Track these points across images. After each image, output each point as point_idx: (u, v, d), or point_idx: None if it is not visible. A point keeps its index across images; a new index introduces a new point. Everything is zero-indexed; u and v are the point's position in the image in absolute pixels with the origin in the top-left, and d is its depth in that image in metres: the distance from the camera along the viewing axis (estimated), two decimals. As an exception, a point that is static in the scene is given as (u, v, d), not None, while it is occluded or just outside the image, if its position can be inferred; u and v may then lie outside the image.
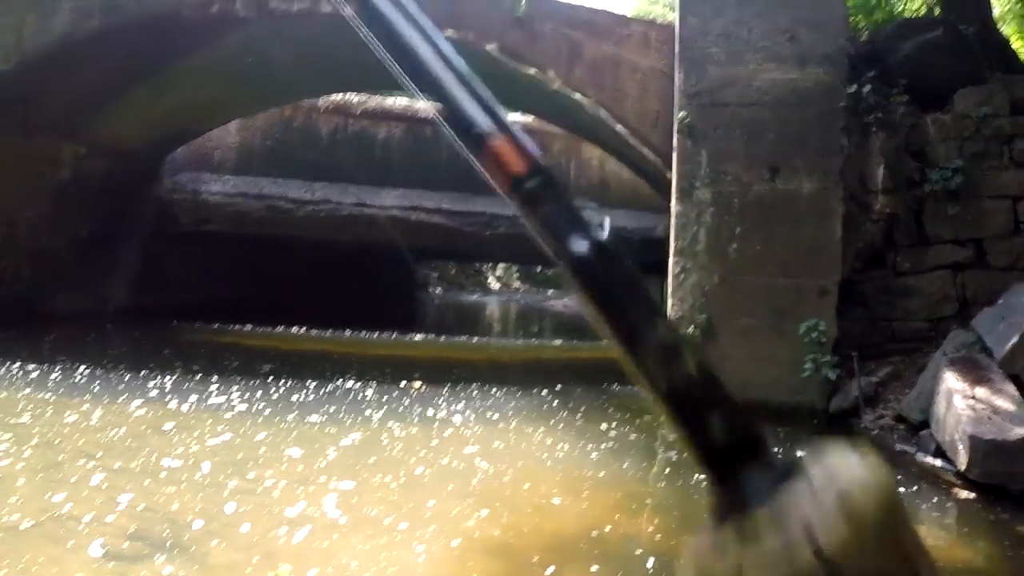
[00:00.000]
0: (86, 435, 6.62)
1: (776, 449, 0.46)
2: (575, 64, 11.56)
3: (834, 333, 9.29)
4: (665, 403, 0.51)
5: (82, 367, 9.82)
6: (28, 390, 8.49)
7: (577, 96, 11.58)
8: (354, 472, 6.14)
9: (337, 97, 19.27)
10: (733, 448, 0.48)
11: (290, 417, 7.92)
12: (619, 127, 11.66)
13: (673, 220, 9.73)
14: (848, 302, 9.57)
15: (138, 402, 8.22)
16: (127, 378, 9.45)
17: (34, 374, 9.32)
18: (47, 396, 8.30)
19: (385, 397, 9.24)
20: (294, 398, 8.86)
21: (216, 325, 15.14)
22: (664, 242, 13.58)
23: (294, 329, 15.06)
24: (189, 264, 17.85)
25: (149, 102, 14.33)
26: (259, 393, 8.96)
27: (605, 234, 0.54)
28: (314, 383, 9.57)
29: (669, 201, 10.49)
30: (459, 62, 0.65)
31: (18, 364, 9.67)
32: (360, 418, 8.11)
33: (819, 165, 9.49)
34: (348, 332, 15.11)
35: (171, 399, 8.45)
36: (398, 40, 0.66)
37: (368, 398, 9.16)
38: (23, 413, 7.51)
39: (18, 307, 13.69)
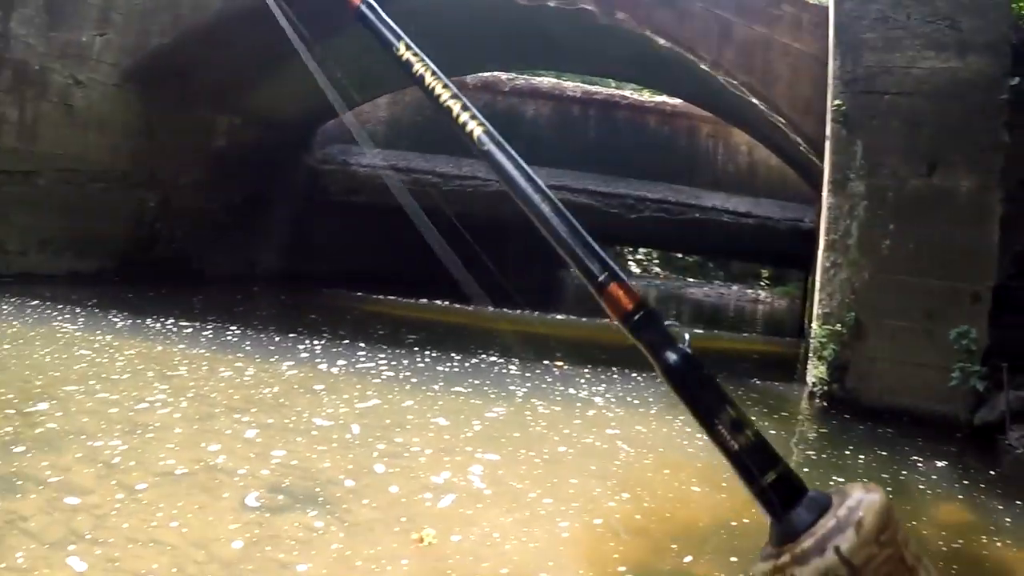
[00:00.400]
0: (240, 391, 6.86)
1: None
2: (725, 45, 11.31)
3: (985, 341, 8.70)
4: (735, 462, 0.63)
5: (233, 326, 10.24)
6: (183, 345, 8.88)
7: (726, 79, 11.39)
8: (498, 445, 6.18)
9: (486, 74, 19.39)
10: (783, 493, 0.60)
11: (436, 386, 8.03)
12: (769, 112, 11.46)
13: (824, 212, 9.39)
14: (1001, 309, 9.09)
15: (289, 363, 8.48)
16: (277, 339, 9.79)
17: (188, 330, 9.76)
18: (201, 352, 8.66)
19: (528, 373, 9.27)
20: (439, 368, 8.99)
21: (360, 293, 15.52)
22: (811, 234, 13.31)
23: (437, 301, 15.31)
24: (336, 233, 18.29)
25: (302, 76, 14.63)
26: (405, 361, 9.13)
27: (688, 346, 0.66)
28: (458, 355, 9.70)
29: (818, 191, 10.25)
30: (570, 218, 0.78)
31: (172, 320, 10.18)
32: (504, 392, 8.15)
33: (979, 162, 8.89)
34: (490, 308, 15.14)
35: (320, 362, 8.67)
36: (520, 189, 0.83)
37: (511, 373, 9.22)
38: (179, 367, 7.85)
39: (173, 266, 14.35)
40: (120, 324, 9.79)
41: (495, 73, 19.43)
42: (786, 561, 0.55)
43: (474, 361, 9.64)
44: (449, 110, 0.85)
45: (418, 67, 0.90)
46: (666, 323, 0.69)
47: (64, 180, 12.75)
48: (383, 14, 0.98)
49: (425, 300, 15.33)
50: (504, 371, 9.33)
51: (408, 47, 0.94)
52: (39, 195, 12.54)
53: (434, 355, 9.65)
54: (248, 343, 9.42)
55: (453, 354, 9.73)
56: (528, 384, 8.74)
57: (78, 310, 10.21)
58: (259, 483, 4.85)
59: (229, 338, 9.67)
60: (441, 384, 8.18)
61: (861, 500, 0.59)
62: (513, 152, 0.76)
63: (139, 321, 10.04)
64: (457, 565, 3.99)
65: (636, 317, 0.70)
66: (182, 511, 4.32)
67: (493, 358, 9.95)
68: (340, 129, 18.16)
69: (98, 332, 9.11)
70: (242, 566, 3.81)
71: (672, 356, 0.67)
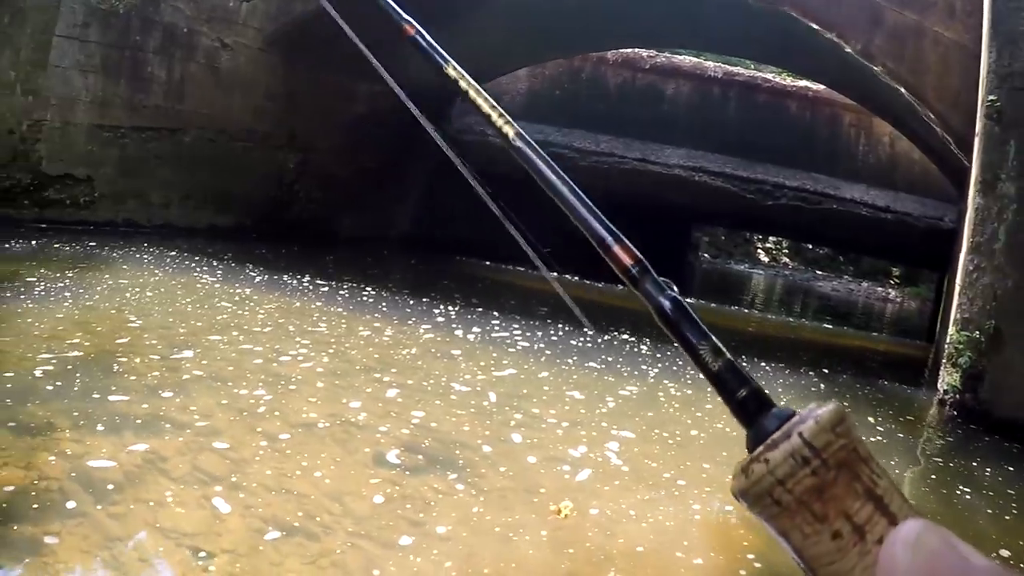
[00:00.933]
0: (379, 351, 6.91)
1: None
2: (875, 31, 10.71)
3: None
4: (715, 381, 0.72)
5: (368, 287, 10.37)
6: (320, 303, 9.02)
7: (874, 66, 10.92)
8: (633, 423, 6.11)
9: (627, 51, 19.16)
10: (755, 405, 0.68)
11: (570, 360, 7.96)
12: (917, 104, 10.93)
13: (971, 213, 8.82)
14: None
15: (426, 326, 8.54)
16: (411, 303, 9.85)
17: (324, 288, 9.92)
18: (339, 310, 8.78)
19: (659, 354, 9.13)
20: (572, 342, 8.92)
21: (490, 263, 15.58)
22: (950, 235, 12.74)
23: (567, 276, 15.26)
24: (469, 202, 18.36)
25: (444, 44, 14.74)
26: (539, 333, 9.10)
27: (675, 291, 0.79)
28: (591, 332, 9.64)
29: (962, 190, 9.74)
30: (583, 196, 0.94)
31: (308, 278, 10.35)
32: (636, 371, 8.04)
33: None
34: (619, 287, 14.99)
35: (457, 327, 8.70)
36: (545, 176, 0.99)
37: (643, 352, 9.12)
38: (319, 323, 7.98)
39: (308, 226, 14.63)
40: (257, 279, 10.00)
41: (635, 50, 19.16)
42: (760, 451, 0.63)
43: (606, 337, 9.53)
44: (488, 116, 1.02)
45: (463, 83, 1.10)
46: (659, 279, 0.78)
47: (208, 139, 13.06)
48: (432, 40, 1.19)
49: (555, 274, 15.23)
50: (636, 350, 9.24)
51: (455, 68, 1.15)
52: (183, 152, 12.89)
53: (566, 329, 9.57)
54: (384, 304, 9.52)
55: (585, 329, 9.63)
56: (660, 365, 8.62)
57: (216, 263, 10.51)
58: (397, 442, 4.85)
59: (364, 298, 9.79)
60: (575, 358, 8.11)
61: (819, 406, 0.66)
62: (537, 146, 0.96)
63: (275, 277, 10.24)
64: (593, 539, 3.95)
65: (635, 270, 0.83)
66: (321, 463, 4.36)
67: (624, 335, 9.83)
68: (479, 100, 18.22)
69: (236, 285, 9.34)
70: (375, 521, 3.83)
71: (663, 300, 0.79)
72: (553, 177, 1.00)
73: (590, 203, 0.96)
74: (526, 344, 8.44)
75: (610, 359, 8.39)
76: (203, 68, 13.01)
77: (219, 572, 3.23)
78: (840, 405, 0.64)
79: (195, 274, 9.64)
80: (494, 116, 1.06)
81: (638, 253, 0.88)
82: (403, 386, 6.05)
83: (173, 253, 10.64)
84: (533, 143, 1.00)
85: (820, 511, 0.58)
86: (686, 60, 19.79)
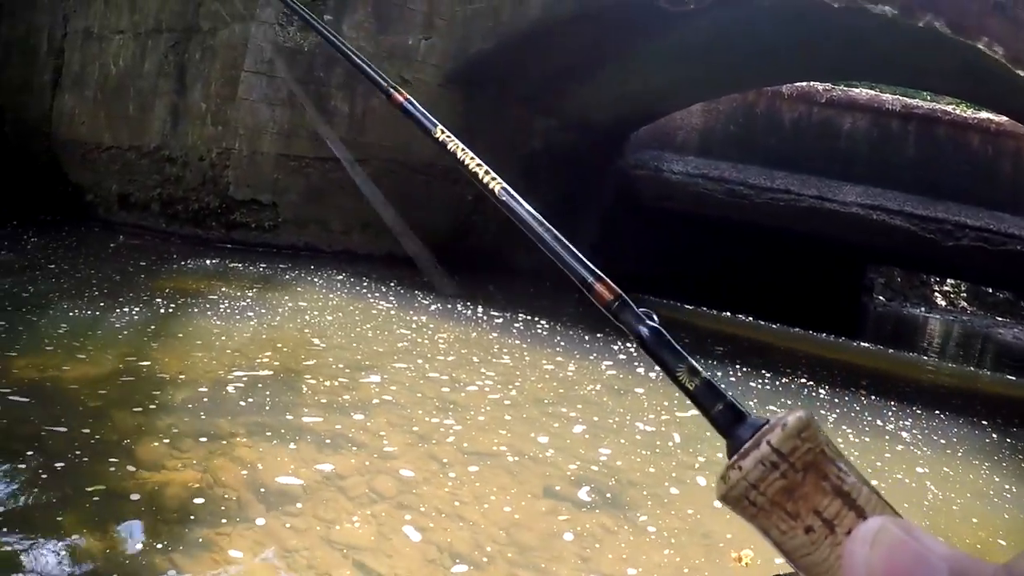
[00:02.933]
0: (564, 386, 7.00)
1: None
2: None
3: None
4: (692, 398, 0.78)
5: (542, 320, 10.50)
6: (495, 334, 9.20)
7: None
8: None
9: (801, 84, 18.80)
10: (730, 418, 0.74)
11: (750, 403, 7.82)
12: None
13: None
14: None
15: (608, 362, 8.59)
16: (586, 338, 9.90)
17: (498, 320, 10.11)
18: (516, 342, 8.94)
19: (836, 399, 8.93)
20: (751, 384, 8.83)
21: (665, 300, 15.49)
22: None
23: (740, 316, 15.10)
24: (645, 238, 18.33)
25: (616, 82, 14.82)
26: (718, 374, 8.99)
27: (655, 321, 0.84)
28: (768, 373, 9.49)
29: None
30: (563, 240, 1.04)
31: (480, 308, 10.60)
32: (817, 416, 7.89)
33: None
34: (796, 328, 14.81)
35: (638, 365, 8.69)
36: (529, 225, 1.07)
37: (820, 397, 8.91)
38: (501, 355, 8.15)
39: (484, 256, 14.91)
40: (432, 307, 10.31)
41: (811, 84, 18.79)
42: (735, 459, 0.68)
43: (784, 381, 9.36)
44: (475, 174, 1.15)
45: (451, 145, 1.21)
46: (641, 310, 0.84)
47: (388, 170, 13.48)
48: (419, 107, 1.33)
49: (728, 313, 15.12)
50: (813, 394, 9.05)
51: (443, 131, 1.24)
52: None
53: (744, 370, 9.47)
54: (559, 338, 9.64)
55: (764, 372, 9.49)
56: (837, 411, 8.42)
57: (391, 290, 10.91)
58: (585, 479, 4.90)
59: (539, 331, 9.95)
60: (755, 401, 8.04)
61: (788, 413, 0.68)
62: (519, 198, 1.09)
63: (449, 306, 10.53)
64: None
65: (616, 305, 0.92)
66: (503, 496, 4.46)
67: (802, 379, 9.63)
68: (652, 135, 18.18)
69: (411, 312, 9.68)
70: (539, 553, 3.86)
71: (643, 329, 0.86)
72: (537, 225, 1.11)
73: (571, 247, 1.07)
74: (707, 387, 8.34)
75: (789, 402, 8.27)
76: (384, 103, 13.30)
77: None
78: (808, 412, 0.67)
79: (371, 300, 9.99)
80: (480, 173, 1.17)
81: (617, 288, 0.95)
82: (589, 423, 6.11)
83: (352, 278, 11.06)
84: (516, 196, 1.11)
85: (792, 509, 0.63)
86: (862, 93, 19.22)
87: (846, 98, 18.87)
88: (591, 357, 8.73)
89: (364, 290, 10.54)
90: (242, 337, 7.32)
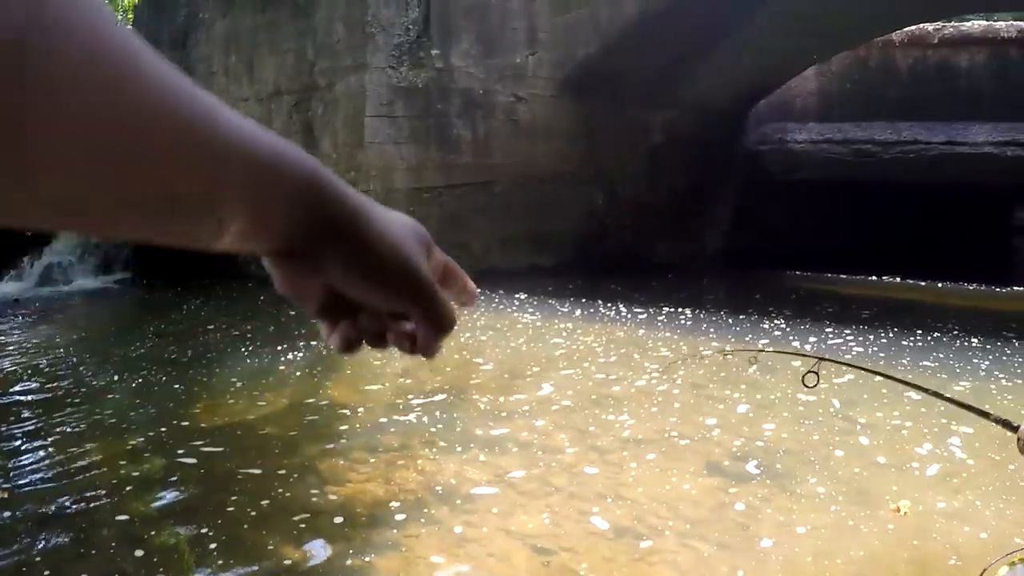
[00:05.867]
0: (724, 369, 7.28)
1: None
2: None
3: None
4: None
5: (685, 310, 10.80)
6: (643, 330, 9.63)
7: None
8: (970, 419, 6.08)
9: (911, 29, 18.19)
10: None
11: (904, 361, 8.01)
12: None
13: None
14: None
15: (764, 341, 8.76)
16: (730, 321, 10.23)
17: (641, 316, 10.49)
18: (668, 335, 9.28)
19: (988, 347, 8.88)
20: (903, 343, 8.90)
21: (808, 273, 15.43)
22: None
23: (885, 278, 14.95)
24: (778, 212, 18.22)
25: (728, 61, 14.85)
26: (871, 337, 9.15)
27: None
28: (919, 330, 9.52)
29: None
30: None
31: (623, 307, 11.02)
32: (968, 366, 7.91)
33: None
34: (940, 283, 14.58)
35: (793, 339, 8.99)
36: None
37: (972, 346, 8.89)
38: (660, 348, 8.54)
39: (622, 256, 15.15)
40: (576, 312, 10.78)
41: (921, 26, 18.13)
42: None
43: (935, 335, 9.36)
44: None
45: None
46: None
47: (518, 185, 13.95)
48: None
49: (873, 277, 15.01)
50: (965, 344, 9.02)
51: None
52: (496, 201, 13.89)
53: (895, 330, 9.52)
54: (706, 325, 9.94)
55: (915, 329, 9.55)
56: (989, 358, 8.37)
57: (533, 301, 11.41)
58: (752, 452, 5.23)
59: (683, 322, 10.25)
60: (908, 359, 8.14)
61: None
62: None
63: (592, 310, 10.97)
64: (941, 529, 4.13)
65: None
66: (685, 477, 4.80)
67: (953, 332, 9.60)
68: (771, 108, 18.06)
69: (556, 320, 10.14)
70: (709, 525, 4.18)
71: None
72: None
73: None
74: (860, 349, 8.54)
75: (941, 356, 8.32)
76: (503, 123, 13.92)
77: (557, 566, 3.73)
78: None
79: (515, 314, 10.49)
80: None
81: None
82: (753, 401, 6.44)
83: (497, 296, 11.46)
84: None
85: None
86: (975, 26, 18.32)
87: (959, 34, 17.94)
88: (746, 339, 8.96)
89: (509, 305, 11.01)
90: (404, 364, 7.82)
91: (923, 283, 13.75)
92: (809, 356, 3.37)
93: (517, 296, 11.70)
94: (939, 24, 17.92)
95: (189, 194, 0.51)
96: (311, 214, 0.60)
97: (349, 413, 6.28)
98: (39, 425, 6.05)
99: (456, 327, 0.70)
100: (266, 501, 4.47)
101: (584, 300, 11.50)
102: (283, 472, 4.93)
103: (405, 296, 0.66)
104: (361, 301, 0.67)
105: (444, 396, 6.67)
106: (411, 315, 0.69)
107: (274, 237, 0.59)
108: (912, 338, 9.14)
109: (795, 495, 4.53)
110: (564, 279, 13.30)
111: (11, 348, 9.20)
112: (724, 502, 4.45)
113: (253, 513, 4.31)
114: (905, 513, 4.27)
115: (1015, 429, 2.40)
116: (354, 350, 0.72)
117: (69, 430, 5.91)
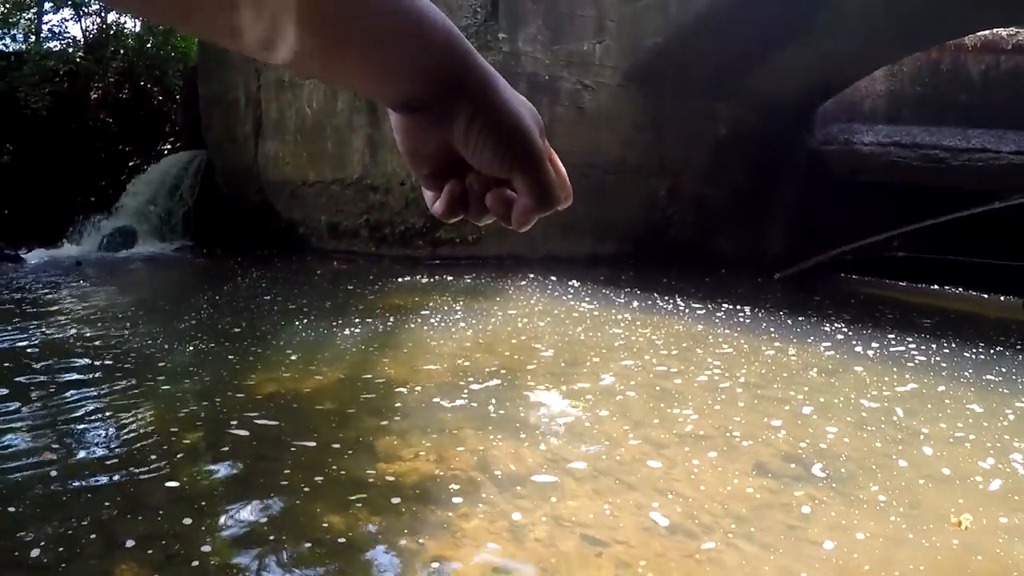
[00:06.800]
0: (787, 370, 7.32)
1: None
2: None
3: None
4: None
5: (745, 308, 10.75)
6: (701, 326, 9.57)
7: None
8: (1032, 436, 6.03)
9: (984, 33, 17.88)
10: None
11: (967, 373, 7.90)
12: None
13: None
14: None
15: (826, 343, 8.82)
16: (790, 322, 10.14)
17: (700, 311, 10.47)
18: (728, 331, 9.29)
19: (1052, 361, 8.78)
20: (966, 355, 8.79)
21: (867, 277, 15.28)
22: None
23: (947, 288, 14.78)
24: (840, 213, 17.99)
25: (796, 58, 14.72)
26: (933, 346, 9.06)
27: None
28: (982, 343, 9.41)
29: None
30: None
31: (681, 302, 10.97)
32: (1035, 384, 7.84)
33: None
34: (1003, 296, 14.41)
35: (856, 344, 8.91)
36: None
37: (1037, 361, 8.79)
38: (722, 344, 8.54)
39: (684, 249, 15.12)
40: (634, 303, 10.78)
41: (995, 31, 17.82)
42: None
43: (999, 349, 9.26)
44: None
45: None
46: None
47: (581, 173, 13.91)
48: None
49: (935, 286, 14.84)
50: (1026, 358, 8.89)
51: None
52: (559, 188, 13.78)
53: (957, 341, 9.44)
54: (766, 324, 9.90)
55: (979, 342, 9.45)
56: (1053, 371, 8.27)
57: (593, 290, 11.45)
58: (818, 457, 5.19)
59: (742, 319, 10.22)
60: (971, 371, 8.02)
61: None
62: None
63: (650, 302, 10.96)
64: (1004, 546, 4.06)
65: None
66: (744, 477, 4.80)
67: (1017, 346, 9.53)
68: (839, 108, 17.87)
69: (613, 311, 10.14)
70: (769, 527, 4.14)
71: None
72: None
73: None
74: (923, 359, 8.45)
75: (1005, 370, 8.20)
76: (568, 109, 13.91)
77: (609, 558, 3.72)
78: None
79: (573, 302, 10.54)
80: None
81: None
82: (816, 403, 6.41)
83: (554, 283, 11.49)
84: None
85: None
86: None
87: (1033, 41, 17.78)
88: (808, 340, 8.95)
89: (569, 293, 11.05)
90: (461, 346, 7.92)
91: (986, 295, 13.53)
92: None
93: (571, 284, 11.70)
94: (1013, 30, 17.63)
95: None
96: (451, 69, 0.69)
97: (405, 391, 6.35)
98: (92, 391, 6.12)
99: (555, 207, 0.76)
100: (319, 476, 4.50)
101: (639, 292, 11.47)
102: (337, 447, 4.97)
103: (517, 160, 0.73)
104: (474, 161, 0.74)
105: (501, 379, 6.71)
106: (517, 182, 0.75)
107: (416, 83, 0.69)
108: (975, 350, 9.03)
109: (856, 501, 4.51)
110: (619, 270, 13.29)
111: (69, 313, 9.38)
112: (783, 504, 4.44)
113: (306, 488, 4.33)
114: (967, 528, 4.23)
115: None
116: (456, 212, 0.80)
117: (122, 397, 5.96)
